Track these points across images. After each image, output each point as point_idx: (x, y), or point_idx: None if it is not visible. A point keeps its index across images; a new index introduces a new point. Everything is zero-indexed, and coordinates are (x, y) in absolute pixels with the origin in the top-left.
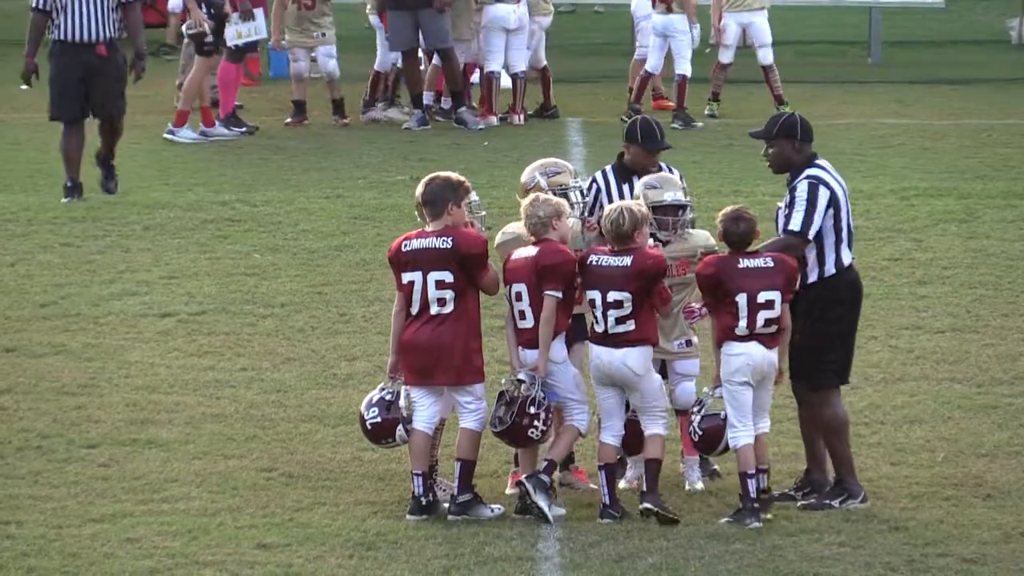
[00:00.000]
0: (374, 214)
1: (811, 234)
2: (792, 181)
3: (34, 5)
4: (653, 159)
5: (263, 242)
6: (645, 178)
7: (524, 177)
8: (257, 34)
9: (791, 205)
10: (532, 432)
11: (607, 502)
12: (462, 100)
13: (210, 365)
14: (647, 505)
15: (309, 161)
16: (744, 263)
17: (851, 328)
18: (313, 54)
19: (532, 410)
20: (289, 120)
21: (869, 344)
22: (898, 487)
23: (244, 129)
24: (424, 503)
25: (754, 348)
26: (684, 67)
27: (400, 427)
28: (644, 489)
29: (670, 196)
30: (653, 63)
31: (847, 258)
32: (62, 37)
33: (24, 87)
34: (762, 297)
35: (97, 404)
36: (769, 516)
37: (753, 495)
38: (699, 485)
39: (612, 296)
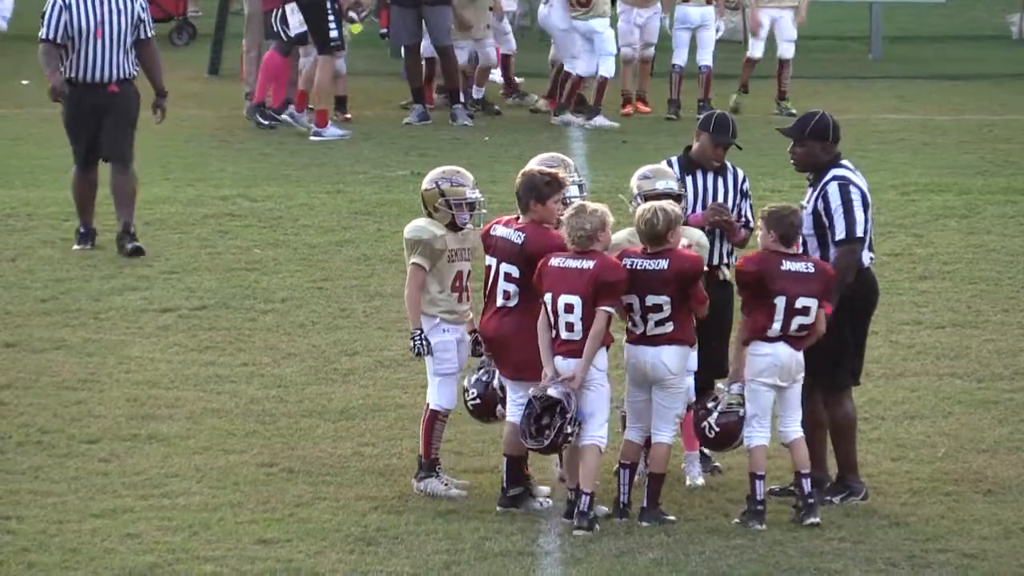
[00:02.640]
0: (375, 209)
1: (859, 233)
2: (816, 180)
3: (45, 37)
4: (718, 153)
5: (263, 237)
6: (640, 169)
7: None
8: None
9: (827, 213)
10: (565, 446)
11: (625, 501)
12: (458, 97)
13: (210, 360)
14: (646, 524)
15: (309, 156)
16: (787, 265)
17: (866, 329)
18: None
19: (569, 429)
20: None
21: (870, 340)
22: (899, 483)
23: (272, 123)
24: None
25: (781, 348)
26: (709, 58)
27: (500, 405)
28: (644, 505)
29: (662, 185)
30: (684, 58)
31: (866, 260)
32: (73, 76)
33: (25, 81)
34: (800, 303)
35: (97, 399)
36: (817, 519)
37: (759, 497)
38: (700, 480)
39: (651, 300)
